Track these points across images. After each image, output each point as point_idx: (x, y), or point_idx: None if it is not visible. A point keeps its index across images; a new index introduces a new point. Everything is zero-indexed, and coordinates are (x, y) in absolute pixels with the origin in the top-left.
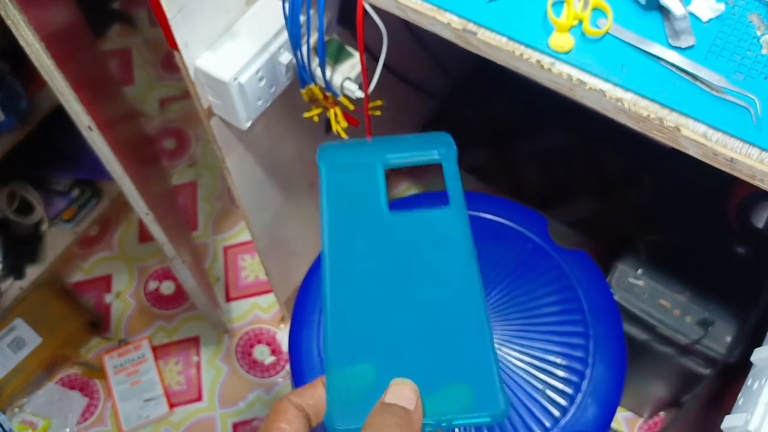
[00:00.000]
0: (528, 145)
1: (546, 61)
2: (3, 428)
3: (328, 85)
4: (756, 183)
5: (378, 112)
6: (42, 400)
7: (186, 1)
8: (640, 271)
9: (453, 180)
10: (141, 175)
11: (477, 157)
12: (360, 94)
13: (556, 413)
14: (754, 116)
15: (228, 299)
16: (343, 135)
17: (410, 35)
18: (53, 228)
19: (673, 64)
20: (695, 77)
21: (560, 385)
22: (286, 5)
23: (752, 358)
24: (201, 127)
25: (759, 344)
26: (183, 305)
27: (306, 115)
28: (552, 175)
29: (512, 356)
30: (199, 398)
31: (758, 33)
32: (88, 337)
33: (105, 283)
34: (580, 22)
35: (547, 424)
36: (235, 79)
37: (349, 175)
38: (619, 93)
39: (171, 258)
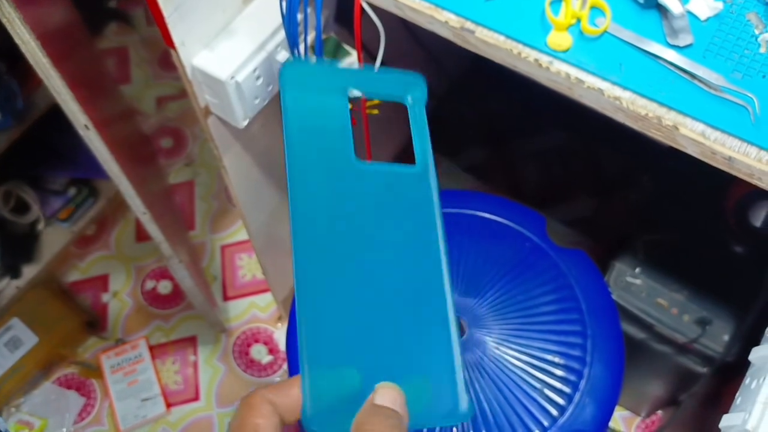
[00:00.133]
0: (526, 144)
1: (544, 59)
2: None
3: None
4: (754, 182)
5: (375, 111)
6: (39, 400)
7: None
8: (637, 270)
9: (420, 129)
10: (138, 174)
11: (475, 156)
12: (357, 93)
13: (554, 412)
14: (752, 115)
15: (225, 298)
16: None
17: (408, 33)
18: (50, 227)
19: (671, 63)
20: (693, 76)
21: (558, 384)
22: (284, 3)
23: (750, 357)
24: (198, 125)
25: (757, 343)
26: (180, 304)
27: None
28: (550, 174)
29: (510, 355)
30: (196, 398)
31: (756, 31)
32: (85, 336)
33: (102, 282)
34: (579, 20)
35: (545, 423)
36: (232, 77)
37: (314, 103)
38: (618, 92)
39: (168, 257)
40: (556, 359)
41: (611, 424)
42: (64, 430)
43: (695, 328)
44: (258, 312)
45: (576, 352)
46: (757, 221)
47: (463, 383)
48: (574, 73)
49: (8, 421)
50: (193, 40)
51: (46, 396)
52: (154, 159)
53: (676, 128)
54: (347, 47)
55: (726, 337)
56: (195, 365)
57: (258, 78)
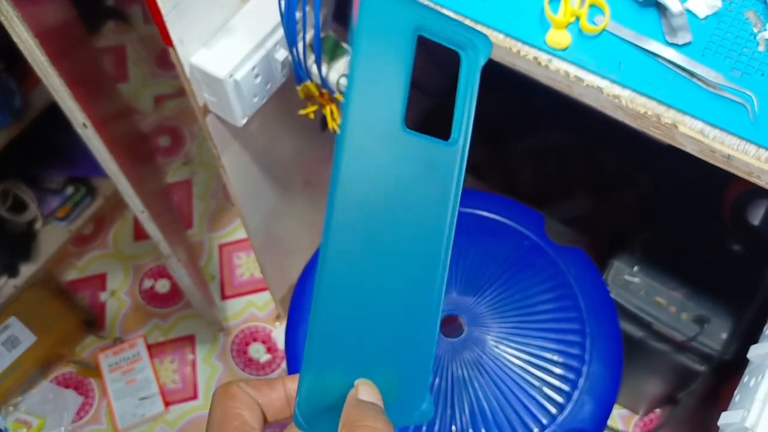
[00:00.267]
0: (524, 143)
1: (543, 57)
2: None
3: (324, 82)
4: (753, 180)
5: None
6: (37, 399)
7: None
8: (636, 268)
9: (467, 95)
10: (136, 173)
11: (473, 155)
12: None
13: (553, 410)
14: (750, 113)
15: (223, 297)
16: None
17: None
18: (47, 226)
19: (670, 61)
20: (692, 74)
21: (557, 383)
22: (282, 2)
23: (749, 355)
24: (196, 124)
25: (754, 341)
26: (178, 303)
27: (302, 112)
28: (548, 173)
29: (509, 353)
30: (194, 396)
31: (755, 30)
32: (83, 335)
33: (100, 281)
34: (578, 19)
35: (544, 422)
36: (231, 76)
37: (382, 50)
38: (617, 90)
39: (166, 256)
40: (555, 357)
41: (609, 422)
42: (62, 429)
43: (693, 326)
44: (256, 311)
45: (575, 351)
46: (755, 220)
47: (429, 383)
48: (574, 71)
49: (6, 420)
50: (192, 38)
51: (44, 395)
52: (152, 158)
53: (675, 126)
54: (346, 46)
55: (724, 336)
56: (193, 364)
57: (257, 76)
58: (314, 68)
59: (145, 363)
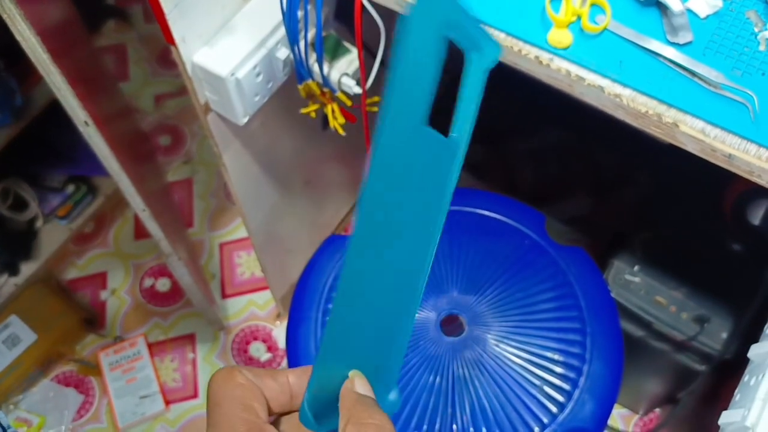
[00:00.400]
0: (525, 142)
1: (544, 57)
2: (1, 425)
3: (326, 81)
4: (754, 179)
5: (376, 108)
6: (37, 398)
7: None
8: (636, 267)
9: (471, 97)
10: (137, 172)
11: (473, 154)
12: (357, 90)
13: (554, 409)
14: (751, 112)
15: (224, 296)
16: (341, 131)
17: None
18: (48, 224)
19: (671, 60)
20: (693, 73)
21: (557, 382)
22: (284, 0)
23: (749, 354)
24: (196, 123)
25: (755, 340)
26: (179, 302)
27: (303, 111)
28: (549, 172)
29: (509, 352)
30: (195, 395)
31: (756, 29)
32: (84, 334)
33: (100, 279)
34: (579, 18)
35: (545, 421)
36: (233, 74)
37: (418, 49)
38: (618, 89)
39: (167, 255)
40: (556, 356)
41: (609, 422)
42: (63, 427)
43: (694, 325)
44: (256, 310)
45: (575, 350)
46: (756, 219)
47: (398, 375)
48: (575, 70)
49: (7, 418)
50: (194, 36)
51: (44, 393)
52: (153, 156)
53: (676, 125)
54: (347, 45)
55: (724, 335)
56: (194, 363)
57: (258, 75)
58: (315, 67)
59: (145, 361)
